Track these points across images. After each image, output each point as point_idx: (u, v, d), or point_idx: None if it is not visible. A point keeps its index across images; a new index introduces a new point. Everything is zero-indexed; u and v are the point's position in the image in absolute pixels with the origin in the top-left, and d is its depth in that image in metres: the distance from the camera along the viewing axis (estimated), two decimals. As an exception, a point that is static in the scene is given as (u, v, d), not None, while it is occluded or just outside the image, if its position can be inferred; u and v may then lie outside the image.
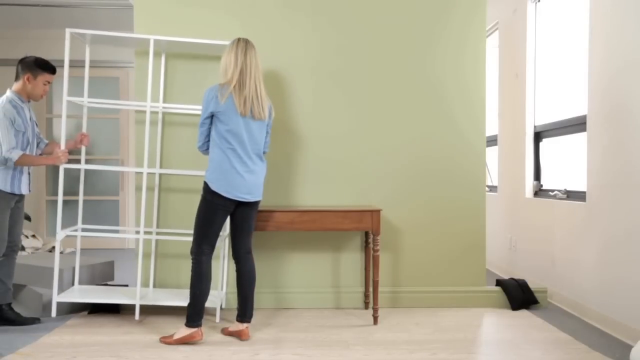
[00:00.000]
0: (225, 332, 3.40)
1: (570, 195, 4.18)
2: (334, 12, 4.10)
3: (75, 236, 3.78)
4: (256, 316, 3.70)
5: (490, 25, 5.70)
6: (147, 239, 3.92)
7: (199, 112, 3.64)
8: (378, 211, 3.63)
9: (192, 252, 3.24)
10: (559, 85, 4.50)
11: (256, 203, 3.34)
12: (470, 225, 4.15)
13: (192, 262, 3.22)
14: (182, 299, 3.55)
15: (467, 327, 3.60)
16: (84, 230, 3.98)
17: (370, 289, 3.91)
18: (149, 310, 3.83)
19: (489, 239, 4.81)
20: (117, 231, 6.59)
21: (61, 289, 3.77)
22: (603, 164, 3.59)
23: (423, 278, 4.13)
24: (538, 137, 4.80)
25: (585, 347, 3.17)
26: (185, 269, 3.90)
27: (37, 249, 6.66)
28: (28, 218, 5.69)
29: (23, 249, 6.18)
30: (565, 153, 4.42)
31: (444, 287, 4.11)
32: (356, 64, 4.11)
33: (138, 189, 3.88)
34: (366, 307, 4.04)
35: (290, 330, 3.51)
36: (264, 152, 3.36)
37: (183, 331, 3.21)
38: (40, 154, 3.73)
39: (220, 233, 3.37)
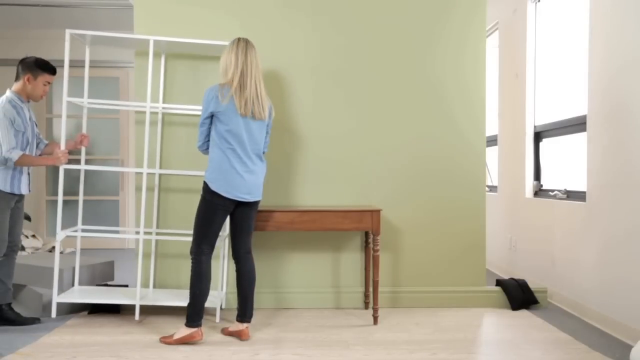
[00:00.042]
0: (225, 332, 3.40)
1: (570, 195, 4.18)
2: (334, 12, 4.11)
3: (75, 236, 3.78)
4: (256, 316, 3.70)
5: (490, 25, 5.70)
6: (147, 239, 3.93)
7: (199, 113, 3.65)
8: (378, 211, 3.63)
9: (191, 252, 3.24)
10: (559, 85, 4.50)
11: (256, 203, 3.34)
12: (470, 225, 4.15)
13: (192, 262, 3.22)
14: (182, 299, 3.55)
15: (467, 327, 3.60)
16: (83, 230, 3.97)
17: (370, 289, 3.91)
18: (149, 311, 3.83)
19: (489, 239, 4.81)
20: (117, 232, 6.59)
21: (61, 289, 3.77)
22: (603, 164, 3.59)
23: (423, 278, 4.14)
24: (538, 137, 4.80)
25: (585, 347, 3.17)
26: (185, 269, 3.90)
27: (37, 249, 6.66)
28: (28, 218, 5.69)
29: (23, 249, 6.18)
30: (565, 153, 4.42)
31: (444, 287, 4.11)
32: (356, 64, 4.11)
33: (138, 189, 3.88)
34: (366, 307, 4.04)
35: (290, 330, 3.51)
36: (263, 152, 3.35)
37: (183, 331, 3.21)
38: (40, 155, 3.73)
39: (220, 233, 3.37)
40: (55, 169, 6.61)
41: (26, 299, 4.02)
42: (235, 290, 3.40)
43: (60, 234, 3.59)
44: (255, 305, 3.60)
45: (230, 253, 3.52)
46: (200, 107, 3.44)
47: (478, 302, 4.10)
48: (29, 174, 3.62)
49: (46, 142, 3.79)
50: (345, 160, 4.11)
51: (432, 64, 4.14)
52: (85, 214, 4.24)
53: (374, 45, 4.11)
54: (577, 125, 4.08)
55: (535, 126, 4.82)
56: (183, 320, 3.28)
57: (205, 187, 3.21)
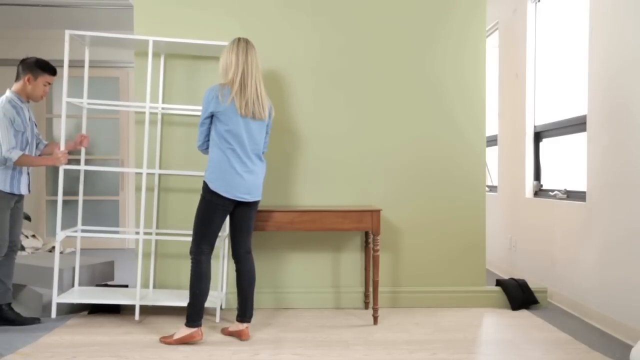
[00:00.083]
0: (225, 332, 3.40)
1: (570, 195, 4.18)
2: (334, 12, 4.10)
3: (75, 236, 3.77)
4: (256, 316, 3.70)
5: (490, 25, 5.70)
6: (147, 239, 3.93)
7: (198, 113, 3.65)
8: (378, 211, 3.63)
9: (191, 252, 3.24)
10: (559, 85, 4.50)
11: (255, 203, 3.34)
12: (470, 225, 4.14)
13: (192, 262, 3.22)
14: (182, 299, 3.55)
15: (467, 327, 3.60)
16: (83, 231, 3.97)
17: (370, 289, 3.91)
18: (149, 311, 3.83)
19: (489, 239, 4.81)
20: (117, 232, 6.59)
21: (61, 289, 3.77)
22: (603, 164, 3.59)
23: (423, 278, 4.13)
24: (538, 137, 4.80)
25: (585, 347, 3.17)
26: (185, 269, 3.89)
27: (37, 249, 6.66)
28: (28, 218, 5.69)
29: (23, 249, 6.18)
30: (565, 153, 4.42)
31: (444, 287, 4.11)
32: (356, 63, 4.11)
33: (138, 189, 3.88)
34: (366, 307, 4.04)
35: (290, 330, 3.51)
36: (263, 152, 3.35)
37: (183, 331, 3.21)
38: (40, 155, 3.73)
39: (220, 233, 3.37)
40: (55, 169, 6.61)
41: (26, 299, 4.02)
42: (235, 290, 3.40)
43: (60, 234, 3.59)
44: (255, 305, 3.60)
45: (230, 253, 3.52)
46: (200, 107, 3.44)
47: (478, 302, 4.10)
48: (28, 174, 3.62)
49: (45, 142, 3.79)
50: (345, 160, 4.11)
51: (432, 64, 4.14)
52: (85, 214, 4.24)
53: (374, 45, 4.11)
54: (577, 125, 4.08)
55: (535, 126, 4.82)
56: (183, 320, 3.28)
57: (205, 187, 3.21)
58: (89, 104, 3.79)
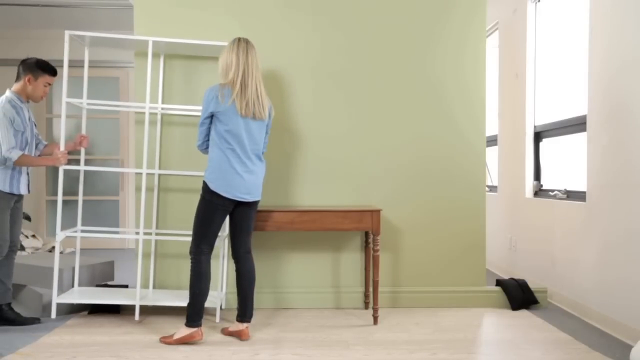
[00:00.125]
0: (225, 332, 3.40)
1: (570, 195, 4.18)
2: (334, 12, 4.10)
3: (75, 236, 3.77)
4: (256, 316, 3.70)
5: (490, 25, 5.70)
6: (147, 239, 3.93)
7: (198, 113, 3.65)
8: (378, 211, 3.63)
9: (191, 252, 3.24)
10: (559, 85, 4.50)
11: (255, 203, 3.34)
12: (470, 225, 4.14)
13: (191, 262, 3.22)
14: (182, 299, 3.55)
15: (467, 327, 3.60)
16: (83, 231, 3.97)
17: (370, 289, 3.91)
18: (149, 311, 3.83)
19: (489, 239, 4.81)
20: (117, 232, 6.59)
21: (61, 289, 3.77)
22: (603, 164, 3.59)
23: (423, 278, 4.13)
24: (538, 137, 4.80)
25: (585, 347, 3.17)
26: (185, 269, 3.89)
27: (37, 249, 6.66)
28: (28, 218, 5.70)
29: (23, 249, 6.18)
30: (565, 153, 4.42)
31: (444, 287, 4.11)
32: (356, 63, 4.11)
33: (137, 189, 3.87)
34: (366, 307, 4.04)
35: (290, 330, 3.51)
36: (262, 152, 3.35)
37: (183, 331, 3.21)
38: (40, 155, 3.73)
39: (220, 233, 3.37)
40: (55, 169, 6.61)
41: (26, 299, 4.02)
42: (235, 290, 3.40)
43: (60, 234, 3.59)
44: (255, 305, 3.60)
45: (230, 253, 3.52)
46: (199, 108, 3.44)
47: (478, 302, 4.10)
48: (28, 174, 3.62)
49: (45, 142, 3.79)
50: (345, 160, 4.11)
51: (432, 64, 4.14)
52: (85, 214, 4.24)
53: (374, 45, 4.11)
54: (577, 125, 4.08)
55: (535, 126, 4.82)
56: (183, 320, 3.28)
57: (205, 187, 3.21)
58: (88, 104, 3.80)
